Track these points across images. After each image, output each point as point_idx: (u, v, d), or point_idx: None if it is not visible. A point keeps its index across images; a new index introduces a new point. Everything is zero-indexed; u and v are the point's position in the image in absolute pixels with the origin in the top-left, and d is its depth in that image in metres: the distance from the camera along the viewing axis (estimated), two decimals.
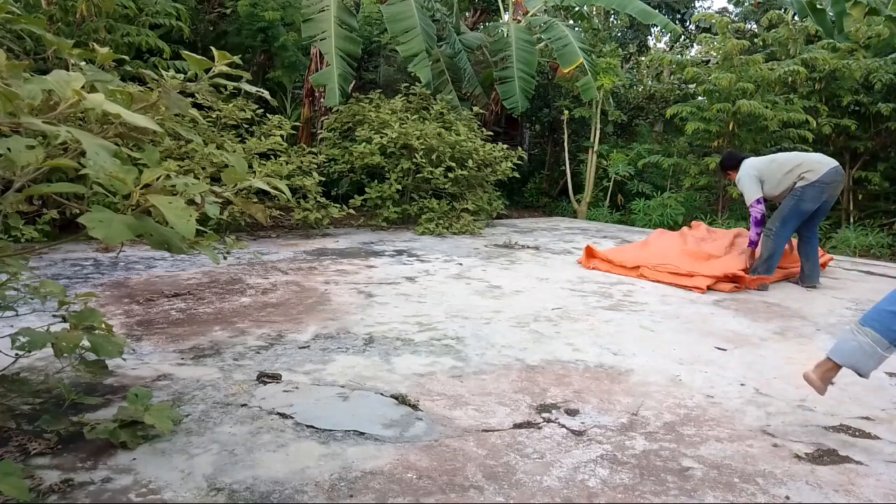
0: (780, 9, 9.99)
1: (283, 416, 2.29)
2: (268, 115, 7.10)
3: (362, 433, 2.18)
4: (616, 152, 10.00)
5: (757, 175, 4.86)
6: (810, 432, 2.36)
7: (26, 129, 1.42)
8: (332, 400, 2.46)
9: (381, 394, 2.54)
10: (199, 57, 1.86)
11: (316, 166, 7.04)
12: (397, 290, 4.39)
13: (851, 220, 8.12)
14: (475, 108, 8.74)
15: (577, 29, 10.67)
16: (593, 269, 5.51)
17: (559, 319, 3.81)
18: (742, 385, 2.82)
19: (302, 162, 6.89)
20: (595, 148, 9.78)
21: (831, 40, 8.13)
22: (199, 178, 4.56)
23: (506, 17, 10.29)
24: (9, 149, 1.34)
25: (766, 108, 7.98)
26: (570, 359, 3.09)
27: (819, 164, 4.72)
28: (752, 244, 4.96)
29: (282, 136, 6.78)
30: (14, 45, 4.25)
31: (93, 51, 1.90)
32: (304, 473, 1.89)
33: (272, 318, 3.56)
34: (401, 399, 2.48)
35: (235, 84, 2.00)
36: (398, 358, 2.99)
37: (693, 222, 6.32)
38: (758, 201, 4.82)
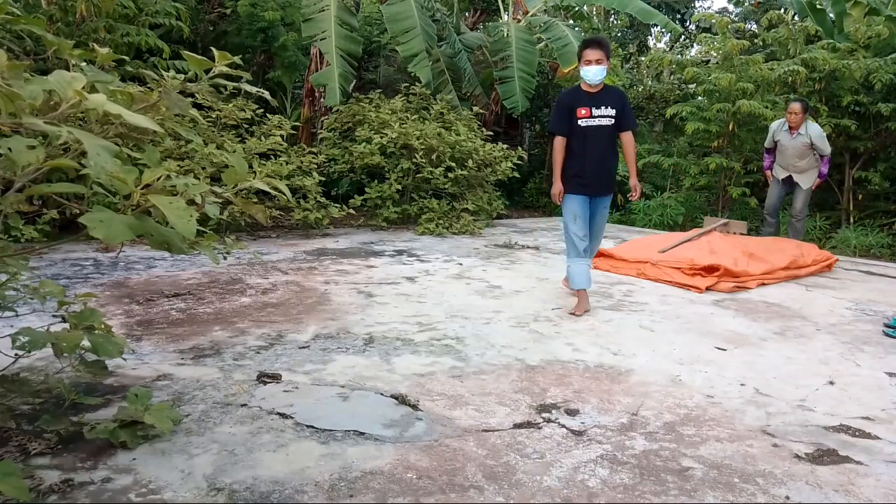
0: (780, 9, 9.98)
1: (283, 416, 2.29)
2: (268, 115, 7.09)
3: (362, 433, 2.18)
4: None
5: None
6: (810, 432, 2.36)
7: (27, 129, 1.42)
8: (332, 400, 2.46)
9: (381, 394, 2.54)
10: (199, 57, 1.86)
11: (316, 166, 7.03)
12: (397, 290, 4.39)
13: (851, 220, 8.12)
14: (475, 108, 8.72)
15: (577, 29, 10.66)
16: (594, 268, 5.50)
17: (559, 319, 3.81)
18: (742, 385, 2.82)
19: (302, 162, 6.88)
20: None
21: (831, 40, 8.12)
22: (199, 179, 4.56)
23: (506, 16, 10.28)
24: (9, 149, 1.34)
25: (766, 108, 7.97)
26: (570, 359, 3.09)
27: None
28: (823, 177, 6.54)
29: (282, 136, 6.77)
30: (14, 46, 4.24)
31: (93, 51, 1.90)
32: (304, 473, 1.89)
33: (272, 318, 3.56)
34: (401, 399, 2.48)
35: (235, 84, 2.00)
36: (398, 358, 2.99)
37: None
38: None
